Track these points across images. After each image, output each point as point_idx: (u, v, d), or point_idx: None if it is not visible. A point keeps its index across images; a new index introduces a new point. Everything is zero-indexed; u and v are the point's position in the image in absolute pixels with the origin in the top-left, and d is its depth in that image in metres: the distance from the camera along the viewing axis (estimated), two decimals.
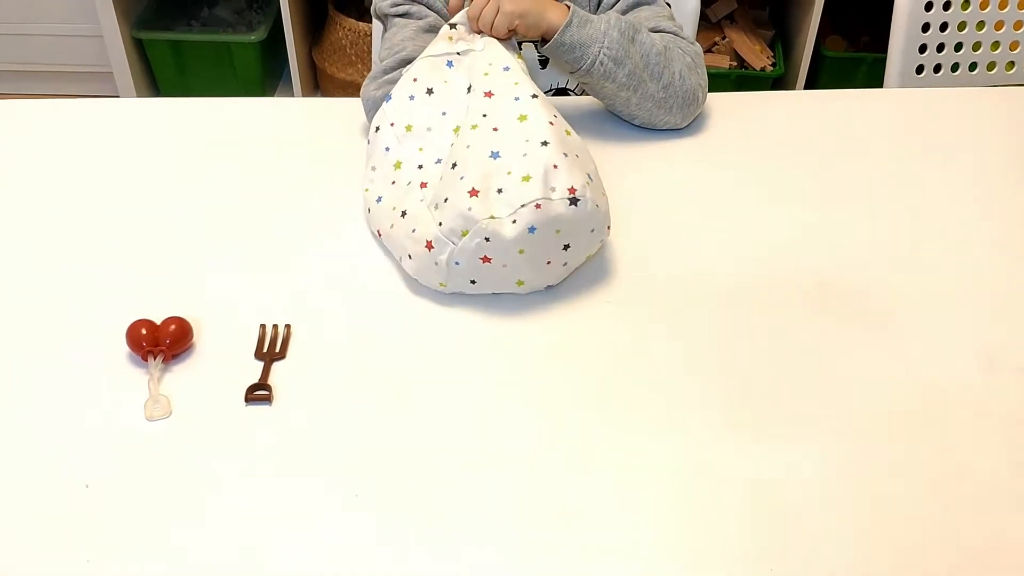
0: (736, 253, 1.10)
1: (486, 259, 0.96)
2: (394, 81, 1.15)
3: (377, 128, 1.12)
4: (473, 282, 0.99)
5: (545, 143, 0.98)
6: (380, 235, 1.07)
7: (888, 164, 1.24)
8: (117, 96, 2.53)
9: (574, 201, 0.95)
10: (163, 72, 2.56)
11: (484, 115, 1.04)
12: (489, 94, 1.06)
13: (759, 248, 1.10)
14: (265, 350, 0.96)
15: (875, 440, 0.89)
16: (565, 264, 1.01)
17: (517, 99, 1.04)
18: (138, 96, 2.52)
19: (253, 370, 0.94)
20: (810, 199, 1.18)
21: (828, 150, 1.27)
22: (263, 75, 2.55)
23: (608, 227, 1.02)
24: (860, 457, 0.87)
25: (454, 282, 1.00)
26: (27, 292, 1.03)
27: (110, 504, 0.82)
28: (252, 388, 0.92)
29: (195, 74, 2.54)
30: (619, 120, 1.28)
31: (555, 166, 0.96)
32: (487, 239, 0.95)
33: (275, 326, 0.98)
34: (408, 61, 1.18)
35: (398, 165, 1.07)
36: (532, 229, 0.95)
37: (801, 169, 1.23)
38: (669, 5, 1.35)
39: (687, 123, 1.27)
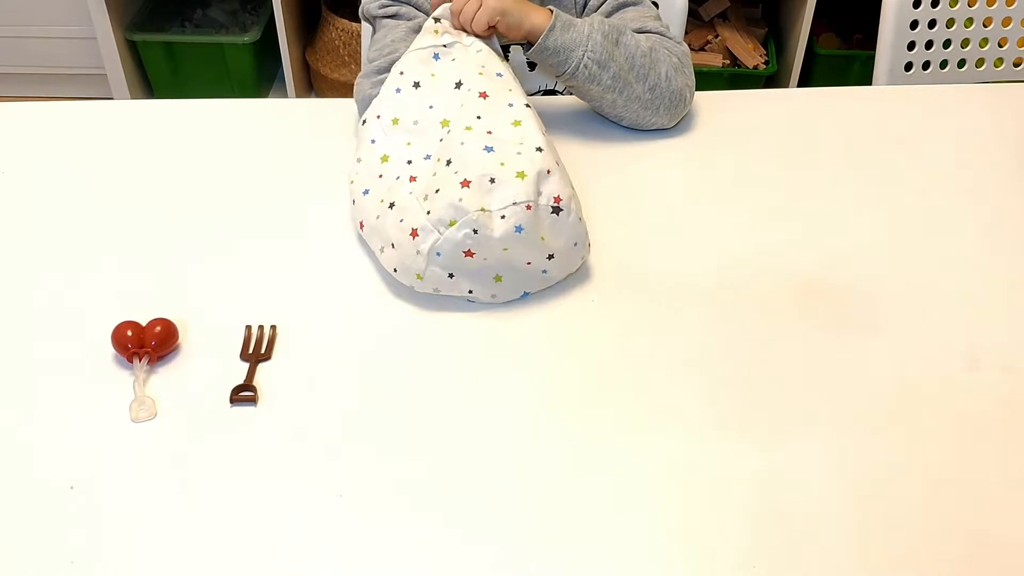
0: (726, 251, 1.10)
1: (469, 253, 0.96)
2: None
3: (364, 121, 1.12)
4: (451, 276, 0.98)
5: (540, 149, 1.00)
6: (363, 227, 1.07)
7: (878, 162, 1.24)
8: (111, 98, 2.53)
9: (556, 210, 0.97)
10: (157, 74, 2.56)
11: (478, 116, 1.05)
12: (484, 95, 1.07)
13: (749, 246, 1.10)
14: (251, 351, 0.96)
15: (862, 439, 0.89)
16: (544, 272, 1.01)
17: (511, 105, 1.05)
18: (132, 98, 2.52)
19: (238, 371, 0.94)
20: (802, 197, 1.18)
21: (821, 148, 1.27)
22: (257, 76, 2.55)
23: (588, 245, 1.03)
24: (847, 456, 0.87)
25: (431, 274, 0.99)
26: (15, 292, 1.04)
27: (94, 505, 0.82)
28: (237, 389, 0.92)
29: (189, 75, 2.54)
30: (608, 120, 1.28)
31: (548, 171, 0.98)
32: (475, 231, 0.95)
33: (260, 327, 0.98)
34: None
35: (385, 159, 1.07)
36: (519, 228, 0.95)
37: (793, 167, 1.23)
38: (656, 5, 1.35)
39: (674, 124, 1.27)
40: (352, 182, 1.10)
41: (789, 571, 0.79)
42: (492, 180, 0.96)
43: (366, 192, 1.07)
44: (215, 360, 0.95)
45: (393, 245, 1.01)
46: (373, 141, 1.09)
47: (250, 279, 1.05)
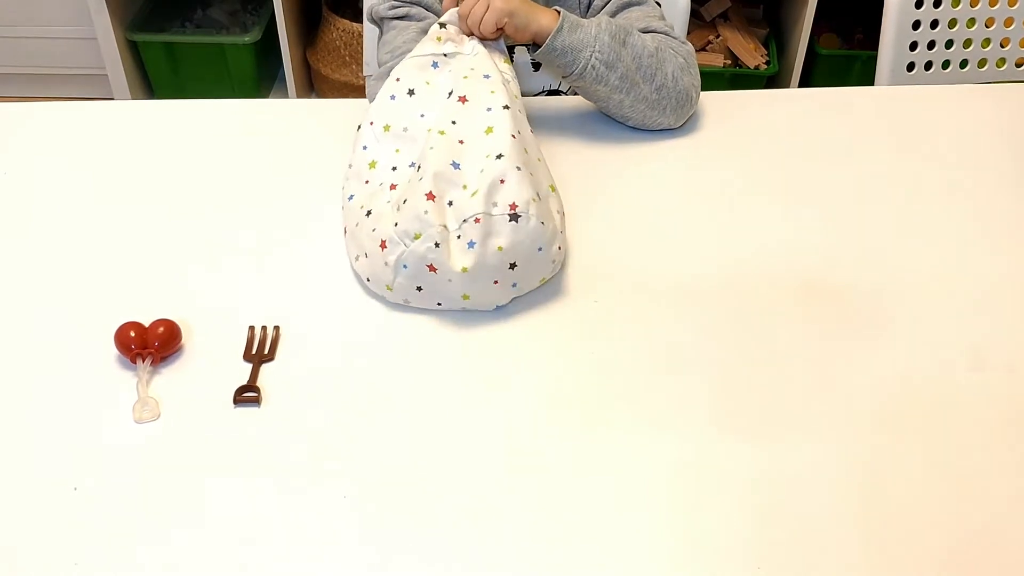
0: (727, 251, 1.10)
1: (432, 268, 0.96)
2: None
3: (359, 127, 1.12)
4: (419, 289, 0.98)
5: (500, 156, 0.99)
6: (345, 233, 1.07)
7: (880, 162, 1.24)
8: (111, 98, 2.53)
9: (515, 217, 0.96)
10: (157, 74, 2.56)
11: (453, 122, 1.05)
12: (463, 99, 1.07)
13: (751, 247, 1.10)
14: (254, 352, 0.96)
15: (866, 440, 0.89)
16: (514, 285, 1.00)
17: (489, 109, 1.05)
18: (132, 98, 2.52)
19: (242, 372, 0.94)
20: (803, 197, 1.18)
21: (821, 148, 1.27)
22: (257, 76, 2.55)
23: (559, 247, 1.01)
24: (850, 456, 0.88)
25: (400, 287, 0.99)
26: (17, 293, 1.04)
27: (98, 507, 0.82)
28: (241, 390, 0.92)
29: (189, 76, 2.54)
30: (611, 120, 1.28)
31: (502, 181, 0.97)
32: (436, 244, 0.95)
33: (264, 328, 0.98)
34: None
35: (373, 165, 1.08)
36: (472, 244, 0.95)
37: (794, 167, 1.23)
38: (659, 4, 1.34)
39: (680, 123, 1.27)
40: (343, 188, 1.10)
41: (793, 572, 0.79)
42: (450, 203, 0.97)
43: (351, 198, 1.07)
44: (218, 361, 0.95)
45: (367, 255, 1.01)
46: (365, 147, 1.09)
47: (253, 280, 1.05)
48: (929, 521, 0.83)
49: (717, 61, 2.42)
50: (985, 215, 1.16)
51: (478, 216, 0.95)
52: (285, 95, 2.56)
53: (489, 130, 1.03)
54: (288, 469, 0.86)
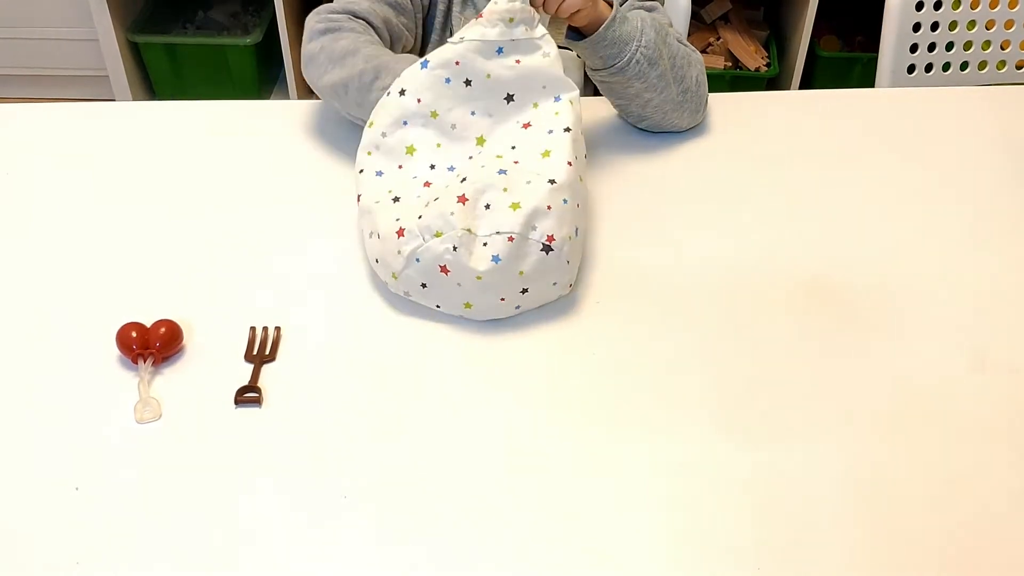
0: (728, 253, 1.10)
1: (444, 270, 0.95)
2: (334, 22, 1.16)
3: (402, 91, 1.05)
4: (424, 286, 0.98)
5: (552, 181, 0.97)
6: (359, 201, 1.04)
7: (880, 164, 1.25)
8: (113, 99, 2.53)
9: (547, 249, 0.95)
10: (159, 75, 2.56)
11: (513, 147, 1.02)
12: (527, 126, 1.04)
13: (751, 248, 1.10)
14: (255, 352, 0.96)
15: (867, 441, 0.89)
16: (517, 307, 0.99)
17: (550, 132, 1.02)
18: (134, 99, 2.52)
19: (243, 372, 0.94)
20: (803, 199, 1.18)
21: (822, 150, 1.27)
22: (258, 78, 2.55)
23: (570, 285, 1.02)
24: (852, 458, 0.88)
25: (405, 277, 0.98)
26: (19, 293, 1.04)
27: (99, 506, 0.83)
28: (242, 390, 0.92)
29: (190, 77, 2.55)
30: (613, 119, 1.28)
31: (548, 207, 0.96)
32: (455, 248, 0.94)
33: (265, 328, 0.98)
34: (356, 17, 1.18)
35: (411, 150, 1.04)
36: (496, 259, 0.94)
37: (795, 169, 1.23)
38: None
39: (691, 127, 1.27)
40: (369, 154, 1.06)
41: (793, 572, 0.79)
42: (487, 206, 0.96)
43: (380, 174, 1.04)
44: (219, 361, 0.95)
45: (380, 236, 0.99)
46: (405, 123, 1.05)
47: (254, 280, 1.05)
48: (929, 521, 0.83)
49: (718, 63, 2.42)
50: (985, 216, 1.16)
51: (513, 235, 0.94)
52: (286, 96, 2.56)
53: (546, 153, 1.00)
54: (288, 469, 0.86)
